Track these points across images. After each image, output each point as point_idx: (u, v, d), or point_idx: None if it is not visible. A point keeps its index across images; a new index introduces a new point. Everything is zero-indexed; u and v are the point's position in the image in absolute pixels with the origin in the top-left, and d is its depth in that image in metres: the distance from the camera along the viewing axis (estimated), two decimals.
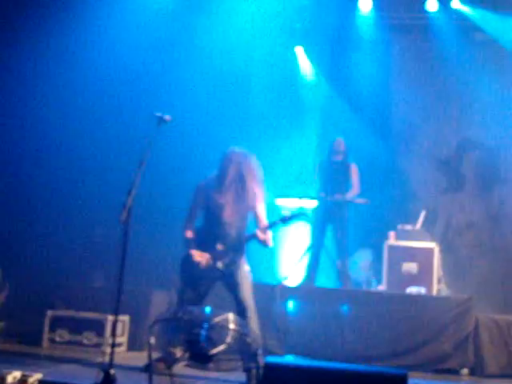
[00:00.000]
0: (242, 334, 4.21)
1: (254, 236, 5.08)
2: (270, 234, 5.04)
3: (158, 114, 4.71)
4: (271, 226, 5.02)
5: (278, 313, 6.46)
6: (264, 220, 5.14)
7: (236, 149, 5.31)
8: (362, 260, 7.70)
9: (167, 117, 4.71)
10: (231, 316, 4.20)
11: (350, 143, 7.85)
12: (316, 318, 6.53)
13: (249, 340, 4.20)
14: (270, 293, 6.53)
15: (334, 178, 7.64)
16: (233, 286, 5.16)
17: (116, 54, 7.59)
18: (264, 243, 5.05)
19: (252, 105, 8.33)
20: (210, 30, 7.94)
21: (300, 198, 7.52)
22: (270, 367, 3.57)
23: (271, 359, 3.68)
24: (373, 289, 7.33)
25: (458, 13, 8.78)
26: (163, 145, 4.97)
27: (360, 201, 7.38)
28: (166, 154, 6.59)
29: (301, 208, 5.12)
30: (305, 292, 6.79)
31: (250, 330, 4.38)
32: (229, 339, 4.19)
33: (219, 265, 5.11)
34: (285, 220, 5.00)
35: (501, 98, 8.64)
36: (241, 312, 4.98)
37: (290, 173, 8.27)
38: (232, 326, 4.16)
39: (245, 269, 5.23)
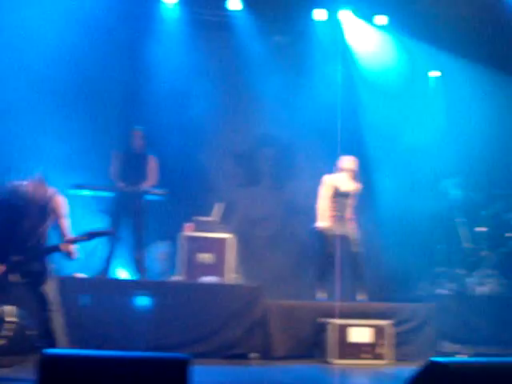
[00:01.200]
0: (21, 327, 4.03)
1: (57, 248, 4.95)
2: (74, 247, 4.93)
3: None
4: (75, 241, 4.93)
5: (68, 306, 6.26)
6: (68, 234, 5.01)
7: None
8: (158, 251, 7.73)
9: None
10: (8, 308, 4.01)
11: (150, 134, 7.83)
12: (111, 310, 6.43)
13: (29, 333, 4.03)
14: (61, 286, 6.32)
15: (132, 168, 7.57)
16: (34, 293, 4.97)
17: None
18: (68, 256, 4.96)
19: (48, 96, 7.91)
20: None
21: (97, 188, 7.37)
22: (48, 359, 3.44)
23: (50, 351, 3.54)
24: (168, 279, 7.39)
25: (258, 13, 9.12)
26: None
27: (158, 192, 7.40)
28: None
29: (105, 227, 5.05)
30: (99, 284, 6.67)
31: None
32: (6, 332, 3.99)
33: (12, 278, 4.88)
34: (89, 236, 4.95)
35: (294, 98, 9.13)
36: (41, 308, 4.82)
37: (87, 162, 8.02)
38: (9, 318, 3.96)
39: (47, 277, 5.04)
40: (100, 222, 7.41)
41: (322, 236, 7.39)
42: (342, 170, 7.57)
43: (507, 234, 7.92)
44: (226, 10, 8.96)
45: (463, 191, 7.97)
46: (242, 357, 6.62)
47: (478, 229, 7.83)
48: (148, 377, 3.47)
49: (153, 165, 7.63)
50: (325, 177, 7.56)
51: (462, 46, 8.86)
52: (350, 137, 8.85)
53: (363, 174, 7.74)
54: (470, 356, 6.65)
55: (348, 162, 7.57)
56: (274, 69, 9.10)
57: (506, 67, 8.94)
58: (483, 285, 7.44)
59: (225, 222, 7.86)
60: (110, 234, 5.05)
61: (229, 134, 9.15)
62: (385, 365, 6.60)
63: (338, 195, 7.46)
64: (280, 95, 9.09)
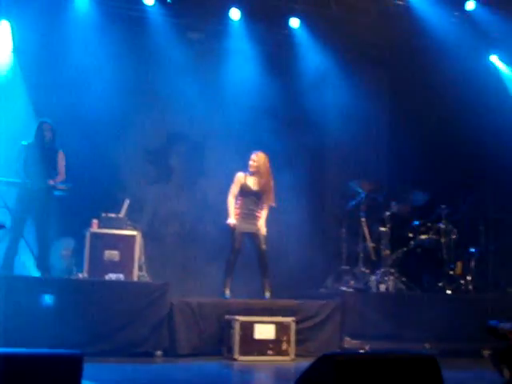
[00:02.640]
0: None
1: None
2: None
3: None
4: None
5: None
6: None
7: None
8: (63, 248, 7.56)
9: None
10: None
11: (57, 128, 7.63)
12: (12, 307, 6.25)
13: None
14: None
15: (40, 163, 7.36)
16: None
17: None
18: None
19: None
20: None
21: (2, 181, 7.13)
22: None
23: None
24: (73, 276, 7.26)
25: (174, 9, 9.06)
26: None
27: (61, 187, 7.24)
28: None
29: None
30: (1, 282, 6.45)
31: None
32: None
33: None
34: None
35: (208, 94, 9.16)
36: None
37: None
38: None
39: None
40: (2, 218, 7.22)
41: (230, 233, 7.47)
42: (251, 167, 7.66)
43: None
44: (140, 4, 8.86)
45: (367, 192, 8.24)
46: (148, 355, 6.60)
47: (380, 228, 8.12)
48: (40, 374, 3.43)
49: (62, 160, 7.46)
50: (236, 174, 7.63)
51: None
52: (262, 134, 9.00)
53: (274, 171, 7.84)
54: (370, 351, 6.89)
55: (255, 159, 7.65)
56: (187, 66, 9.10)
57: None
58: (384, 283, 7.71)
59: (134, 219, 7.80)
60: (1, 228, 4.80)
61: (140, 131, 9.07)
62: (288, 361, 6.75)
63: (247, 193, 7.56)
64: (193, 92, 9.09)
